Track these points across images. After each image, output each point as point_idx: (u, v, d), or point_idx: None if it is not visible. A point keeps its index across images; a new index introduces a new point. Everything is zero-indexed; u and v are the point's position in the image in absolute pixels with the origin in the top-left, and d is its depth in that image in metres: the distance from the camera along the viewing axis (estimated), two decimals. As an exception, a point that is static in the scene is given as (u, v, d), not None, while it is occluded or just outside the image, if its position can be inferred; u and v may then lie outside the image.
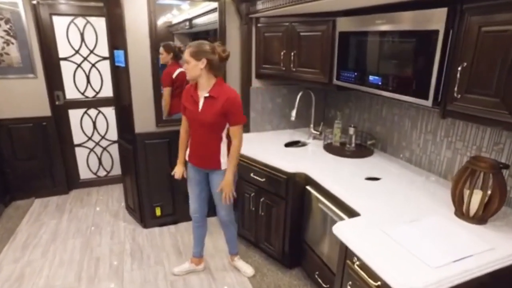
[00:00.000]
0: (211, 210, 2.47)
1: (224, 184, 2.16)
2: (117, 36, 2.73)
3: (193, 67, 1.99)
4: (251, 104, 2.96)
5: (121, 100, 2.97)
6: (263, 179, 2.44)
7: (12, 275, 2.51)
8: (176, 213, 3.13)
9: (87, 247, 2.85)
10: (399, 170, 2.20)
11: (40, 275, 2.51)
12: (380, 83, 1.87)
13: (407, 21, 1.66)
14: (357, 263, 1.42)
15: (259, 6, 2.51)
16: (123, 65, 2.70)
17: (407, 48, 1.69)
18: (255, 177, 2.49)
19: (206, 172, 2.27)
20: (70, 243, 2.90)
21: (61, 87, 3.55)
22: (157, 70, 2.71)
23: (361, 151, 2.51)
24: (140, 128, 2.79)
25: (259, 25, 2.76)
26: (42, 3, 3.27)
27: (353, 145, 2.52)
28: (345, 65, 2.16)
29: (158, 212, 3.06)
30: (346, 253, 1.52)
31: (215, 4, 2.79)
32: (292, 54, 2.51)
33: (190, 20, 3.39)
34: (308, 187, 2.23)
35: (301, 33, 2.44)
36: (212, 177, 2.25)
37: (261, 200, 2.49)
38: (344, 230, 1.52)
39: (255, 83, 2.93)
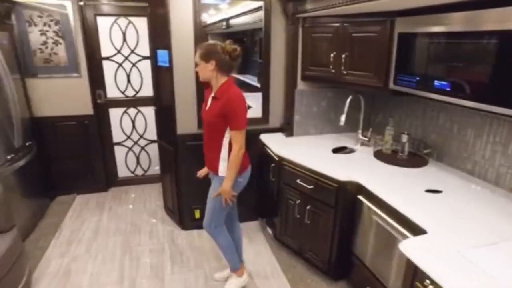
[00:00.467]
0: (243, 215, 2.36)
1: (221, 191, 2.07)
2: (161, 36, 2.71)
3: (203, 69, 1.98)
4: (296, 107, 2.86)
5: (162, 101, 2.96)
6: (310, 186, 2.34)
7: (60, 270, 2.56)
8: (215, 215, 3.08)
9: (127, 246, 2.86)
10: (460, 182, 2.04)
11: (85, 272, 2.54)
12: (448, 89, 1.73)
13: (489, 20, 1.50)
14: (431, 287, 1.31)
15: (308, 5, 2.41)
16: (166, 65, 2.68)
17: (486, 50, 1.53)
18: (302, 183, 2.40)
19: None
20: (111, 241, 2.92)
21: (102, 86, 3.60)
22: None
23: (415, 160, 2.36)
24: (182, 129, 2.76)
25: (306, 25, 2.66)
26: (88, 4, 3.32)
27: (406, 153, 2.37)
28: (405, 69, 2.02)
29: (197, 214, 3.03)
30: (415, 273, 1.40)
31: (259, 3, 2.72)
32: (343, 56, 2.39)
33: (227, 20, 3.33)
34: (360, 197, 2.11)
35: (354, 34, 2.32)
36: (212, 180, 2.22)
37: (307, 208, 2.40)
38: (413, 249, 1.40)
39: (300, 85, 2.83)
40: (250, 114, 3.06)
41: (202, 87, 2.70)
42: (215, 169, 2.14)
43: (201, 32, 2.58)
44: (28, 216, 2.99)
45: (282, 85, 2.90)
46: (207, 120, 2.07)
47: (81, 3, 3.25)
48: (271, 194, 2.79)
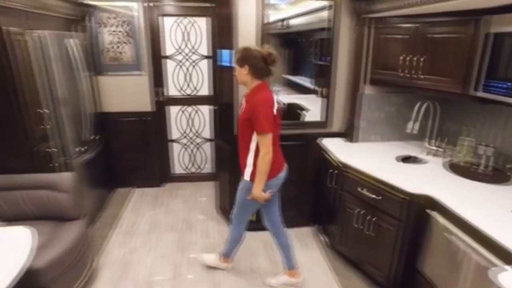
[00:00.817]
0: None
1: (254, 197, 2.08)
2: (224, 36, 2.72)
3: (238, 73, 2.01)
4: (359, 112, 2.72)
5: (222, 100, 2.97)
6: (374, 196, 2.21)
7: (119, 260, 2.66)
8: (268, 219, 3.05)
9: (181, 242, 2.91)
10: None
11: (142, 264, 2.62)
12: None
13: None
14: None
15: (381, 5, 2.28)
16: (228, 65, 2.68)
17: None
18: (365, 192, 2.28)
19: None
20: (166, 236, 2.99)
21: (163, 84, 3.71)
22: (264, 72, 2.63)
23: (496, 175, 2.14)
24: (242, 130, 2.75)
25: (376, 26, 2.52)
26: (154, 5, 3.44)
27: (490, 167, 2.15)
28: (497, 74, 1.82)
29: (253, 216, 2.99)
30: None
31: (327, 3, 2.63)
32: (417, 59, 2.23)
33: (285, 20, 3.28)
34: (430, 212, 1.95)
35: (430, 36, 2.15)
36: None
37: (370, 218, 2.27)
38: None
39: (365, 89, 2.69)
40: (309, 117, 3.02)
41: (264, 88, 2.68)
42: (243, 171, 2.16)
43: (263, 32, 2.54)
44: (92, 206, 3.16)
45: (345, 88, 2.79)
46: (238, 123, 2.09)
47: (148, 4, 3.37)
48: (329, 201, 2.69)
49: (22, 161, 2.35)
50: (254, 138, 2.01)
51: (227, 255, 2.53)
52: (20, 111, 2.27)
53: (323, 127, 2.89)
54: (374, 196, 2.22)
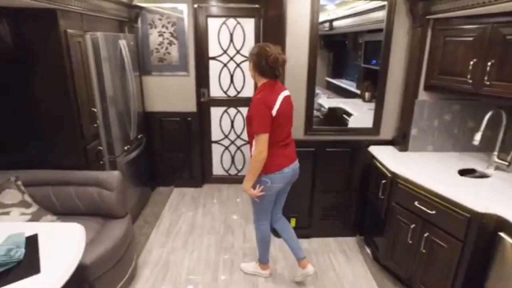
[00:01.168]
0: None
1: (243, 190, 2.14)
2: (272, 38, 2.65)
3: (250, 70, 2.06)
4: (414, 119, 2.55)
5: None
6: (432, 212, 2.04)
7: (160, 260, 2.68)
8: (311, 227, 2.95)
9: (221, 246, 2.88)
10: None
11: (182, 266, 2.62)
12: None
13: None
14: None
15: (443, 5, 2.11)
16: (278, 68, 2.60)
17: None
18: (420, 206, 2.11)
19: None
20: (206, 239, 2.98)
21: (207, 85, 3.71)
22: (314, 75, 2.54)
23: None
24: (288, 134, 2.67)
25: (438, 27, 2.34)
26: (201, 6, 3.45)
27: None
28: None
29: (292, 223, 2.91)
30: None
31: (380, 3, 2.49)
32: (484, 63, 2.03)
33: (331, 21, 3.16)
34: (503, 235, 1.75)
35: (502, 37, 1.94)
36: None
37: (425, 235, 2.10)
38: None
39: (422, 95, 2.51)
40: (353, 122, 2.87)
41: (313, 92, 2.59)
42: None
43: (316, 33, 2.45)
44: (135, 204, 3.22)
45: (399, 94, 2.62)
46: (246, 119, 2.12)
47: (195, 5, 3.39)
48: (377, 212, 2.54)
49: (77, 158, 2.43)
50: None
51: (261, 260, 2.51)
52: (78, 110, 2.35)
53: (371, 134, 2.74)
54: (430, 211, 2.05)
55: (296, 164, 2.22)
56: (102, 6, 2.59)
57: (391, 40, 2.49)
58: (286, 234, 2.42)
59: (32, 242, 1.61)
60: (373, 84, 2.98)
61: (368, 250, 2.80)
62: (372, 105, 2.94)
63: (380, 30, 2.60)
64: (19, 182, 2.29)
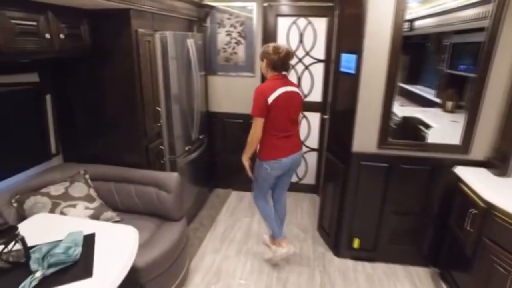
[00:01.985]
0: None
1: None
2: (349, 38, 2.40)
3: (262, 67, 2.34)
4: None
5: (338, 110, 2.66)
6: (542, 258, 1.63)
7: (212, 266, 2.60)
8: (376, 250, 2.63)
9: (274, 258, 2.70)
10: None
11: (234, 276, 2.50)
12: None
13: None
14: None
15: None
16: (351, 71, 2.35)
17: None
18: (525, 249, 1.70)
19: None
20: (259, 249, 2.82)
21: (272, 87, 3.56)
22: (394, 81, 2.23)
23: None
24: (359, 146, 2.39)
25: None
26: (271, 5, 3.30)
27: None
28: None
29: (355, 243, 2.63)
30: None
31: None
32: None
33: (411, 21, 2.81)
34: None
35: None
36: None
37: (530, 285, 1.68)
38: None
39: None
40: (437, 137, 2.47)
41: (391, 101, 2.28)
42: None
43: (400, 35, 2.13)
44: (192, 205, 3.20)
45: (501, 107, 2.18)
46: None
47: (265, 4, 3.26)
48: (460, 245, 2.14)
49: (138, 156, 2.44)
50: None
51: (272, 235, 2.62)
52: (143, 109, 2.36)
53: (458, 152, 2.33)
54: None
55: (297, 154, 2.43)
56: (174, 6, 2.58)
57: (496, 41, 2.07)
58: (278, 215, 2.68)
59: (89, 241, 1.60)
60: (458, 93, 2.62)
61: (444, 286, 2.40)
62: (455, 117, 2.59)
63: (472, 30, 2.24)
64: (87, 176, 2.38)
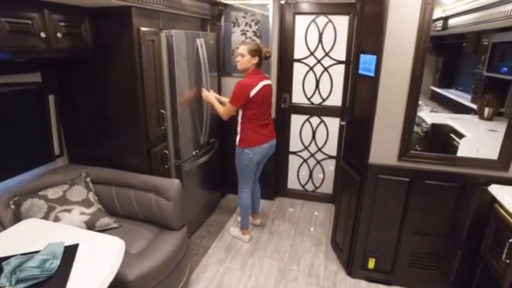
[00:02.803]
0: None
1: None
2: (369, 38, 2.17)
3: (247, 61, 2.49)
4: None
5: (355, 116, 2.42)
6: None
7: (214, 279, 2.45)
8: (394, 272, 2.36)
9: (283, 276, 2.50)
10: None
11: (236, 291, 2.34)
12: None
13: None
14: None
15: None
16: (370, 74, 2.11)
17: None
18: None
19: None
20: (267, 263, 2.64)
21: (289, 90, 3.36)
22: (418, 85, 1.97)
23: None
24: (376, 157, 2.15)
25: None
26: (289, 2, 3.11)
27: None
28: None
29: (371, 264, 2.38)
30: None
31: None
32: None
33: (445, 19, 2.54)
34: None
35: None
36: None
37: None
38: None
39: None
40: (471, 148, 2.18)
41: (414, 107, 2.02)
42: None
43: (426, 35, 1.87)
44: (201, 210, 3.08)
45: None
46: None
47: (283, 1, 3.07)
48: (495, 276, 1.84)
49: (141, 160, 2.34)
50: (240, 113, 2.58)
51: (244, 226, 2.91)
52: (145, 111, 2.25)
53: (495, 169, 2.02)
54: None
55: (273, 141, 2.76)
56: (181, 3, 2.46)
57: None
58: (255, 195, 3.01)
59: (70, 253, 1.50)
60: (497, 98, 2.36)
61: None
62: (493, 125, 2.33)
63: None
64: (88, 179, 2.31)
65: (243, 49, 2.47)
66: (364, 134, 2.18)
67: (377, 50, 2.00)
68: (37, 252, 1.45)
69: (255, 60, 2.48)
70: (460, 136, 2.38)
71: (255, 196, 2.99)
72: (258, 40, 3.06)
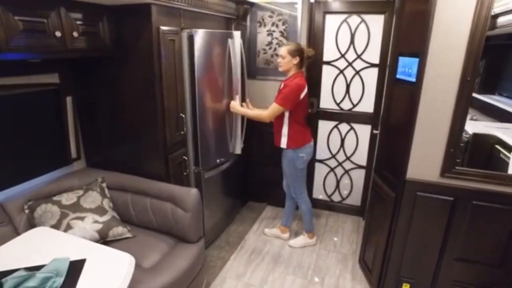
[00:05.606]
0: None
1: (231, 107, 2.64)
2: (410, 39, 1.94)
3: (288, 62, 2.43)
4: None
5: (391, 125, 2.19)
6: None
7: (231, 296, 2.29)
8: (432, 303, 2.11)
9: (305, 294, 2.31)
10: None
11: (255, 311, 2.17)
12: None
13: None
14: None
15: None
16: (411, 79, 1.88)
17: None
18: None
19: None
20: (289, 280, 2.45)
21: (317, 94, 3.15)
22: (469, 91, 1.72)
23: None
24: (415, 173, 1.91)
25: None
26: (319, 1, 2.90)
27: None
28: None
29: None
30: None
31: None
32: None
33: (494, 17, 2.26)
34: None
35: None
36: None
37: None
38: None
39: None
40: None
41: (463, 116, 1.77)
42: (279, 143, 2.59)
43: (482, 35, 1.62)
44: (220, 218, 2.93)
45: None
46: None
47: (312, 0, 2.88)
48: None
49: (157, 166, 2.23)
50: (287, 114, 2.47)
51: (309, 230, 2.85)
52: (163, 115, 2.13)
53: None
54: None
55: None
56: (204, 0, 2.32)
57: None
58: (290, 206, 2.91)
59: (75, 269, 1.38)
60: None
61: None
62: None
63: None
64: (104, 184, 2.22)
65: (282, 50, 2.43)
66: (402, 146, 1.95)
67: (420, 52, 1.77)
68: (41, 267, 1.34)
69: (296, 60, 2.42)
70: (510, 149, 2.11)
71: (290, 207, 2.89)
72: (285, 41, 2.95)
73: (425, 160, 1.88)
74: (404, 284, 2.14)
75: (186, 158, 2.40)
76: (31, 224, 1.91)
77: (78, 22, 1.79)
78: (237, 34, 2.65)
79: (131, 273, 1.42)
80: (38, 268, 1.34)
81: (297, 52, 2.41)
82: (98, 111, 2.29)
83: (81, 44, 1.83)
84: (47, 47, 1.66)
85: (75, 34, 1.76)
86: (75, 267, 1.40)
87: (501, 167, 2.08)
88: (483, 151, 2.28)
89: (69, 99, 2.22)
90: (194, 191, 2.08)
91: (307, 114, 2.63)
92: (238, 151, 2.84)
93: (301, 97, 2.42)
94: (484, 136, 2.30)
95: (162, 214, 2.10)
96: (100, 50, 2.00)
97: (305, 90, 2.45)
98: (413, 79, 1.85)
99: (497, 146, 2.24)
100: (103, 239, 1.96)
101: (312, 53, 2.50)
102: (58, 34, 1.67)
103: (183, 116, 2.30)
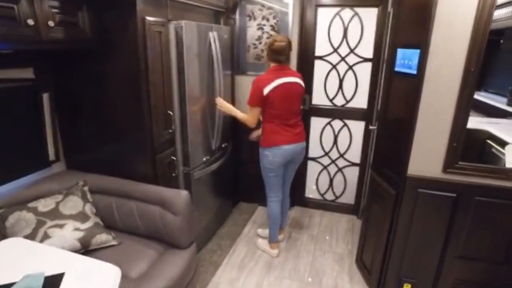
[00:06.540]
0: None
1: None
2: (410, 30, 1.86)
3: (265, 57, 2.42)
4: None
5: (390, 119, 2.11)
6: None
7: (225, 303, 2.17)
8: (435, 303, 2.05)
9: (304, 299, 2.21)
10: None
11: (250, 319, 2.05)
12: None
13: None
14: None
15: None
16: (411, 71, 1.80)
17: None
18: None
19: None
20: (285, 285, 2.34)
21: (309, 90, 3.06)
22: (471, 84, 1.65)
23: None
24: (417, 168, 1.83)
25: None
26: (311, -7, 2.82)
27: None
28: None
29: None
30: None
31: None
32: None
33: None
34: None
35: None
36: None
37: None
38: None
39: None
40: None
41: (466, 110, 1.71)
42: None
43: (487, 26, 1.55)
44: (211, 220, 2.80)
45: None
46: None
47: (304, -7, 2.79)
48: None
49: (145, 167, 2.08)
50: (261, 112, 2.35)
51: (272, 241, 2.66)
52: (149, 112, 1.98)
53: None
54: None
55: (300, 144, 2.42)
56: (192, -9, 2.19)
57: None
58: (284, 207, 2.71)
59: (51, 286, 1.23)
60: None
61: None
62: None
63: None
64: (86, 188, 2.06)
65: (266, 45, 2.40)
66: (402, 141, 1.87)
67: (422, 43, 1.69)
68: (10, 285, 1.18)
69: (268, 55, 2.33)
70: (502, 143, 2.07)
71: (282, 209, 2.68)
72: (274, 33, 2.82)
73: (427, 155, 1.80)
74: (405, 285, 2.07)
75: (174, 158, 2.26)
76: (2, 234, 1.72)
77: (54, 11, 1.63)
78: (220, 27, 2.55)
79: (117, 285, 1.28)
80: (7, 286, 1.18)
81: (268, 45, 2.31)
82: (80, 109, 2.12)
83: (58, 34, 1.67)
84: (19, 36, 1.50)
85: (50, 23, 1.60)
86: (51, 284, 1.23)
87: (493, 161, 2.06)
88: (474, 145, 2.25)
89: (46, 96, 2.04)
90: (184, 193, 1.95)
91: (292, 113, 2.34)
92: (217, 145, 2.70)
93: (265, 93, 2.21)
94: (475, 131, 2.26)
95: (149, 218, 1.95)
96: (80, 42, 1.84)
97: (270, 85, 2.21)
98: (414, 71, 1.77)
99: (489, 141, 2.21)
100: (85, 248, 1.80)
101: (282, 43, 2.23)
102: (30, 22, 1.51)
103: (171, 113, 2.16)
